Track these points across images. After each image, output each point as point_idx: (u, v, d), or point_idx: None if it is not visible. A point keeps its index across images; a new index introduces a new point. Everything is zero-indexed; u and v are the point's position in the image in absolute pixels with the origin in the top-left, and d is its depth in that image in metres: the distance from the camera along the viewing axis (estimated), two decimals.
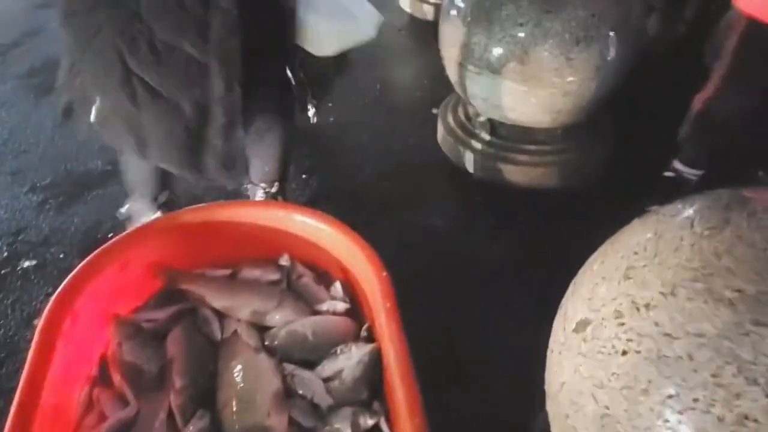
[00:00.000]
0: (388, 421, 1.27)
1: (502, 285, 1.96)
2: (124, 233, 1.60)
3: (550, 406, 1.04)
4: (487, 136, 2.34)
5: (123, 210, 2.09)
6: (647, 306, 0.88)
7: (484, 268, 2.06)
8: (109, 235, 2.09)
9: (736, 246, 0.88)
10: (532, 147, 2.28)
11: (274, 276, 1.60)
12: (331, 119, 2.74)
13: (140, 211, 2.02)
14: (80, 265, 1.45)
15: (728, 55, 1.91)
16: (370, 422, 1.29)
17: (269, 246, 1.62)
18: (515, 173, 2.29)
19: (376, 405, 1.32)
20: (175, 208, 2.05)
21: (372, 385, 1.35)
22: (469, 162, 2.36)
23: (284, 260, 1.62)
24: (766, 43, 1.83)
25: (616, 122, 2.45)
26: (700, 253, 0.89)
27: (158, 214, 2.00)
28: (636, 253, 0.95)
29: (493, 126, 2.33)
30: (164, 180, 2.01)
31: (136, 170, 1.97)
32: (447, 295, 1.91)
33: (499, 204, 2.28)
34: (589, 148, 2.33)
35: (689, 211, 0.98)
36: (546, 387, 1.05)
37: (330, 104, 2.82)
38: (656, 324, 0.86)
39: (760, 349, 0.79)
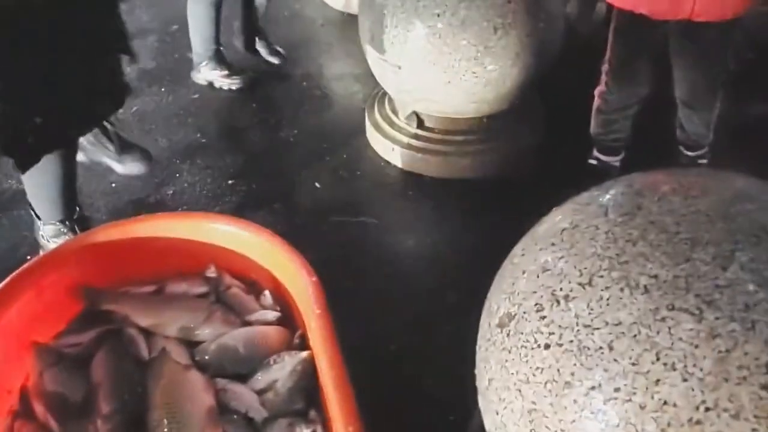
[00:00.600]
0: (326, 429, 1.25)
1: (437, 279, 1.95)
2: (37, 257, 1.53)
3: (482, 403, 1.03)
4: (413, 130, 2.33)
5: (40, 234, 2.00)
6: (566, 298, 0.88)
7: (418, 264, 2.05)
8: (27, 258, 1.99)
9: (649, 231, 0.88)
10: (459, 138, 2.28)
11: (202, 289, 1.55)
12: (256, 120, 2.69)
13: (55, 234, 1.94)
14: None
15: (609, 49, 1.97)
16: (306, 431, 1.27)
17: (195, 258, 1.57)
18: (444, 165, 2.29)
19: (312, 414, 1.30)
20: (91, 224, 1.98)
21: (307, 393, 1.32)
22: (396, 156, 2.35)
23: (211, 272, 1.57)
24: (635, 33, 1.89)
25: (547, 109, 2.47)
26: (615, 240, 0.90)
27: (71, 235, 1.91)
28: (554, 244, 0.95)
29: (419, 118, 2.32)
30: (73, 197, 1.93)
31: (42, 190, 1.88)
32: (382, 293, 1.90)
33: (430, 197, 2.27)
34: (518, 136, 2.35)
35: (603, 199, 0.99)
36: (477, 384, 1.05)
37: (254, 104, 2.77)
38: (576, 315, 0.86)
39: (676, 334, 0.80)
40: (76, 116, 1.76)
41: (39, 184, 1.87)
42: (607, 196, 0.99)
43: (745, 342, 0.78)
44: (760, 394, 0.77)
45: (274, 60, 2.98)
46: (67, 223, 1.92)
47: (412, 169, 2.33)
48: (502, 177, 2.27)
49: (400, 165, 2.35)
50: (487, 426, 1.02)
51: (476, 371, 1.05)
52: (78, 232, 1.92)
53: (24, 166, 1.75)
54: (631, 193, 0.97)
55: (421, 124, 2.33)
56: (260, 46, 2.98)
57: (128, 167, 2.34)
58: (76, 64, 1.65)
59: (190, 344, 1.43)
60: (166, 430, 1.26)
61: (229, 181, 2.35)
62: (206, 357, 1.39)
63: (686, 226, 0.88)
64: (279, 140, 2.58)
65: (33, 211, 1.97)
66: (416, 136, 2.32)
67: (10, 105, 1.57)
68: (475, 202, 2.21)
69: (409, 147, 2.32)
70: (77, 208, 1.97)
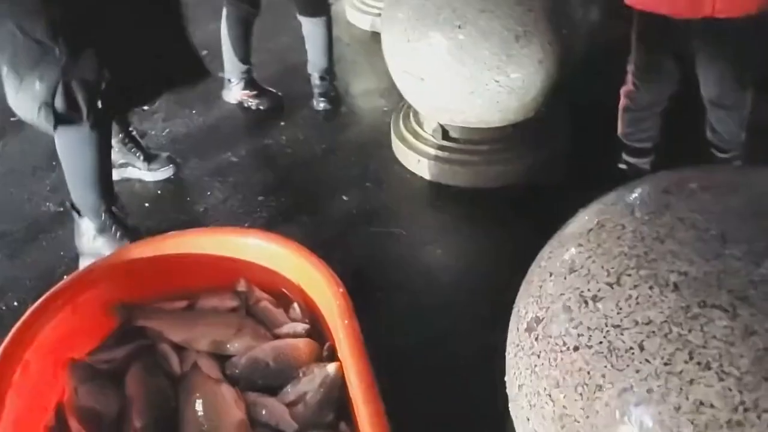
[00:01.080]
0: None
1: (469, 289, 1.94)
2: (71, 275, 1.56)
3: (513, 409, 1.01)
4: (439, 141, 2.33)
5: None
6: (594, 298, 0.86)
7: (449, 274, 2.04)
8: (64, 277, 2.04)
9: (678, 228, 0.86)
10: (486, 147, 2.27)
11: (232, 303, 1.56)
12: (284, 137, 2.71)
13: (101, 228, 2.00)
14: (27, 314, 1.40)
15: (633, 51, 1.95)
16: None
17: (224, 273, 1.59)
18: (471, 175, 2.28)
19: (342, 426, 1.29)
20: (124, 221, 2.06)
21: (337, 405, 1.32)
22: (423, 168, 2.35)
23: (241, 286, 1.58)
24: (658, 34, 1.87)
25: (573, 115, 2.45)
26: (643, 239, 0.88)
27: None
28: (580, 245, 0.94)
29: (443, 129, 2.32)
30: (109, 182, 2.02)
31: (79, 172, 1.95)
32: (413, 305, 1.89)
33: (458, 207, 2.26)
34: (546, 143, 2.33)
35: (629, 198, 0.97)
36: (507, 390, 1.03)
37: (282, 123, 2.80)
38: (605, 316, 0.84)
39: (709, 331, 0.78)
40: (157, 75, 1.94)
41: (76, 165, 1.94)
42: (634, 195, 0.97)
43: None
44: None
45: (321, 105, 2.87)
46: (109, 213, 1.97)
47: (440, 179, 2.33)
48: (531, 185, 2.25)
49: (427, 176, 2.35)
50: None
51: (506, 378, 1.03)
52: (121, 225, 2.00)
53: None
54: (658, 191, 0.95)
55: (446, 134, 2.33)
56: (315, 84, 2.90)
57: (157, 174, 2.42)
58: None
59: (221, 358, 1.45)
60: None
61: (259, 197, 2.37)
62: (237, 371, 1.40)
63: (716, 222, 0.85)
64: (307, 156, 2.60)
65: (74, 207, 2.02)
66: (442, 147, 2.32)
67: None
68: (503, 211, 2.19)
69: (436, 158, 2.31)
70: (116, 197, 2.04)
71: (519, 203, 2.20)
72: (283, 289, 1.56)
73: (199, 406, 1.32)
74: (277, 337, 1.48)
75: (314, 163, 2.56)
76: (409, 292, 1.93)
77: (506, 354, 1.04)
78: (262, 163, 2.60)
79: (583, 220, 0.99)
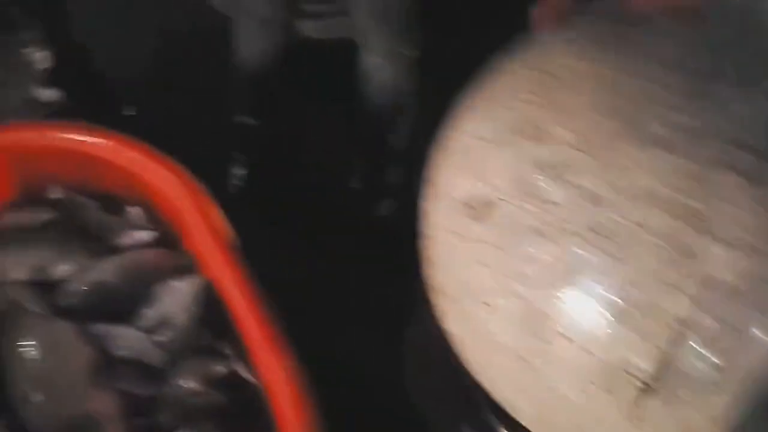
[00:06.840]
0: (247, 363, 1.03)
1: None
2: None
3: (449, 312, 0.84)
4: None
5: None
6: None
7: None
8: None
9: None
10: None
11: (48, 215, 1.22)
12: None
13: None
14: None
15: None
16: (223, 369, 1.04)
17: (31, 180, 1.23)
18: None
19: (225, 348, 1.07)
20: None
21: (215, 323, 1.08)
22: None
23: (56, 193, 1.23)
24: None
25: None
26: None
27: None
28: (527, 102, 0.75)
29: None
30: None
31: None
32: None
33: None
34: None
35: (571, 36, 0.78)
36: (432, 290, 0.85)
37: None
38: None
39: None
40: None
41: None
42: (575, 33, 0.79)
43: None
44: None
45: None
46: None
47: None
48: None
49: None
50: (452, 328, 0.85)
51: (432, 274, 0.85)
52: None
53: None
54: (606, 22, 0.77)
55: None
56: None
57: None
58: None
59: (45, 287, 1.12)
60: (37, 402, 0.99)
61: None
62: (75, 300, 1.10)
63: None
64: None
65: None
66: None
67: None
68: None
69: None
70: None
71: None
72: (118, 193, 1.24)
73: (29, 353, 1.03)
74: (116, 250, 1.18)
75: None
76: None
77: (428, 242, 0.85)
78: None
79: (514, 70, 0.79)
